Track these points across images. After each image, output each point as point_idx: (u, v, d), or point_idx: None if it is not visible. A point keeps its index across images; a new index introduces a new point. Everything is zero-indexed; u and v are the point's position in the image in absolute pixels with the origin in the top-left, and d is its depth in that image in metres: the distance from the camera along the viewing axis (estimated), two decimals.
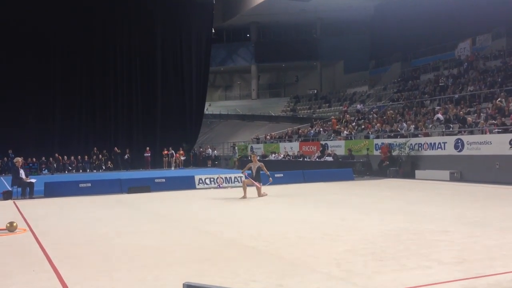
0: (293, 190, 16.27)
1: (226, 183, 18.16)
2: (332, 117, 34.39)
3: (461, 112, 21.77)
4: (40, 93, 32.13)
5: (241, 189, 14.26)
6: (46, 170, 30.18)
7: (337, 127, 29.25)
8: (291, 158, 27.21)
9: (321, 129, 30.85)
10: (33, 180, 15.97)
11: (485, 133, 18.44)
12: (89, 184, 16.70)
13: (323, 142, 26.98)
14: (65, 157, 31.32)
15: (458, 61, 33.34)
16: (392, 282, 5.06)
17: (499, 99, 21.52)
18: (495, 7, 31.01)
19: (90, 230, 8.99)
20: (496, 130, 18.18)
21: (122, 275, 5.66)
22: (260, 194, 13.99)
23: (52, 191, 15.95)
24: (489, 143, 17.75)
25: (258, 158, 21.76)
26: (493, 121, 18.95)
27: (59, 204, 13.71)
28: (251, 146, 33.76)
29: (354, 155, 23.46)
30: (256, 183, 14.08)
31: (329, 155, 24.33)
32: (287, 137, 32.91)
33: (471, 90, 26.18)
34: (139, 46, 35.22)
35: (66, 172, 30.54)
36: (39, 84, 32.04)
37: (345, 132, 27.35)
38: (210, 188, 17.76)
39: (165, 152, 33.09)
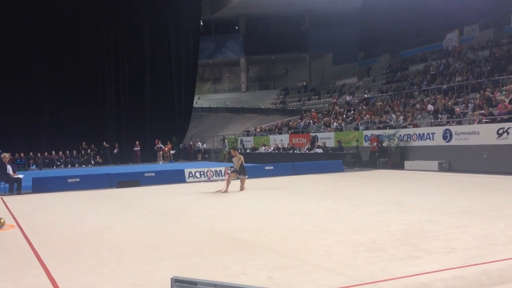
0: (284, 182, 16.28)
1: (216, 177, 18.12)
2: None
3: (449, 103, 21.89)
4: (27, 88, 31.70)
5: (234, 182, 14.19)
6: (34, 166, 29.89)
7: (325, 119, 29.28)
8: (281, 151, 27.22)
9: (311, 121, 30.88)
10: (20, 176, 15.82)
11: (473, 123, 18.58)
12: (78, 179, 16.58)
13: (313, 134, 27.03)
14: (53, 152, 31.05)
15: (446, 51, 33.51)
16: (382, 273, 5.08)
17: (487, 89, 21.66)
18: None
19: (79, 225, 8.93)
20: (484, 120, 18.31)
21: (111, 270, 5.62)
22: (242, 188, 13.95)
23: (40, 186, 15.81)
24: (477, 133, 17.90)
25: (248, 151, 21.76)
26: (481, 111, 19.08)
27: (47, 199, 13.60)
28: (241, 139, 33.72)
29: (344, 147, 23.53)
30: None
31: (319, 147, 24.37)
32: (277, 130, 32.90)
33: (459, 80, 26.33)
34: (127, 39, 34.91)
35: (54, 167, 30.28)
36: (26, 79, 31.63)
37: (334, 123, 27.40)
38: (200, 181, 17.73)
39: (157, 143, 32.95)
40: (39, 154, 30.38)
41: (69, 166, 30.92)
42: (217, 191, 13.93)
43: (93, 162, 31.90)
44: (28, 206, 12.36)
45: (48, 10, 31.59)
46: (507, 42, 29.24)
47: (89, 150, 32.23)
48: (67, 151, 31.55)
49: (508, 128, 16.77)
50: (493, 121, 17.88)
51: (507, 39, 29.61)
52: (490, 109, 18.80)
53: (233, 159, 14.39)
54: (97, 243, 7.19)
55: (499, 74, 24.50)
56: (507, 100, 18.80)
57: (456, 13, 33.18)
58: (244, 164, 14.28)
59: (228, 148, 18.92)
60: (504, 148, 16.83)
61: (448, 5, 33.71)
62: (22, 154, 29.77)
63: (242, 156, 14.41)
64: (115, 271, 5.56)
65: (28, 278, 5.44)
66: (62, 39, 32.52)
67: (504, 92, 20.20)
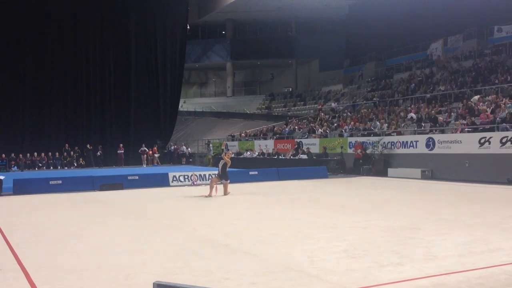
0: (268, 188, 16.28)
1: (200, 181, 18.04)
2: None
3: (433, 112, 22.15)
4: (9, 88, 31.31)
5: (217, 187, 14.14)
6: (15, 167, 29.46)
7: (311, 125, 29.39)
8: (265, 156, 27.24)
9: (296, 127, 30.98)
10: (1, 177, 15.56)
11: (456, 132, 18.81)
12: (60, 181, 16.36)
13: (298, 140, 27.10)
14: (35, 153, 30.63)
15: (430, 61, 33.93)
16: (364, 279, 5.11)
17: (472, 99, 21.93)
18: (466, 9, 31.64)
19: (60, 228, 8.81)
20: (466, 129, 18.57)
21: (92, 274, 5.56)
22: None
23: (22, 188, 15.56)
24: (459, 142, 18.13)
25: (233, 155, 21.62)
26: (463, 120, 19.35)
27: (28, 201, 13.41)
28: (226, 144, 33.65)
29: (328, 153, 23.63)
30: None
31: (303, 153, 24.45)
32: (262, 135, 32.92)
33: (442, 90, 26.66)
34: (113, 41, 34.64)
35: (36, 169, 29.86)
36: (7, 78, 31.21)
37: (319, 130, 27.53)
38: (184, 185, 17.64)
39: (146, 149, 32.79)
40: (21, 155, 29.93)
41: (52, 168, 30.51)
42: (201, 196, 13.88)
43: (76, 165, 31.53)
44: (8, 207, 12.17)
45: (32, 8, 31.22)
46: (490, 52, 29.73)
47: (72, 152, 31.86)
48: (50, 153, 31.15)
49: (490, 137, 17.03)
50: (475, 130, 18.14)
51: (490, 50, 30.11)
52: (473, 118, 19.07)
53: (221, 162, 14.30)
54: (78, 246, 7.10)
55: (482, 84, 24.88)
56: (489, 110, 19.09)
57: (440, 23, 33.64)
58: (228, 169, 14.23)
59: (224, 152, 18.95)
60: (486, 157, 17.07)
61: (433, 15, 34.16)
62: (3, 155, 29.28)
63: (230, 161, 14.37)
64: (96, 275, 5.50)
65: (7, 281, 5.35)
66: (46, 38, 32.17)
67: (486, 102, 20.53)
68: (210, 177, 17.13)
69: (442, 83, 27.99)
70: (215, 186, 13.89)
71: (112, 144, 33.37)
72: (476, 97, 22.02)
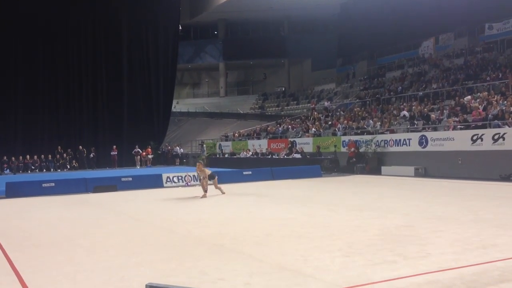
0: (262, 188, 16.28)
1: (194, 181, 18.00)
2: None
3: (425, 109, 22.24)
4: (1, 90, 31.13)
5: (209, 188, 14.08)
6: (8, 170, 29.28)
7: (304, 124, 29.42)
8: (259, 156, 27.24)
9: (289, 126, 31.01)
10: None
11: (448, 130, 18.90)
12: (53, 184, 16.25)
13: (291, 139, 27.12)
14: (28, 156, 30.47)
15: (422, 59, 34.10)
16: (358, 278, 5.12)
17: (465, 98, 22.02)
18: (457, 7, 31.81)
19: (54, 231, 8.77)
20: (458, 126, 18.66)
21: (86, 277, 5.53)
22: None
23: (14, 191, 15.47)
24: (452, 139, 18.22)
25: (226, 155, 21.56)
26: (456, 118, 19.44)
27: (21, 204, 13.33)
28: (220, 144, 33.64)
29: (322, 152, 23.66)
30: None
31: (297, 152, 24.47)
32: (255, 135, 32.92)
33: (434, 87, 26.78)
34: (105, 42, 34.55)
35: (29, 171, 29.71)
36: (0, 80, 31.05)
37: (313, 129, 27.57)
38: (178, 186, 17.60)
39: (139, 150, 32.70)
40: (13, 158, 29.77)
41: (44, 170, 30.36)
42: (195, 196, 13.84)
43: (69, 167, 31.40)
44: (1, 211, 12.09)
45: (24, 11, 31.06)
46: (481, 50, 29.92)
47: (65, 154, 31.72)
48: (42, 155, 31.00)
49: (482, 134, 17.12)
50: (468, 127, 18.23)
51: (481, 47, 30.30)
52: (465, 115, 19.17)
53: (200, 173, 13.96)
54: (71, 249, 7.07)
55: (473, 81, 25.01)
56: (481, 107, 19.20)
57: (432, 21, 33.80)
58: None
59: (216, 152, 18.79)
60: (478, 154, 17.17)
61: (424, 13, 34.31)
62: None
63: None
64: (90, 278, 5.47)
65: (1, 285, 5.31)
66: (37, 40, 32.01)
67: (478, 100, 20.63)
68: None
69: (434, 81, 28.12)
70: (207, 186, 13.84)
71: (105, 146, 33.27)
72: (469, 96, 22.13)
